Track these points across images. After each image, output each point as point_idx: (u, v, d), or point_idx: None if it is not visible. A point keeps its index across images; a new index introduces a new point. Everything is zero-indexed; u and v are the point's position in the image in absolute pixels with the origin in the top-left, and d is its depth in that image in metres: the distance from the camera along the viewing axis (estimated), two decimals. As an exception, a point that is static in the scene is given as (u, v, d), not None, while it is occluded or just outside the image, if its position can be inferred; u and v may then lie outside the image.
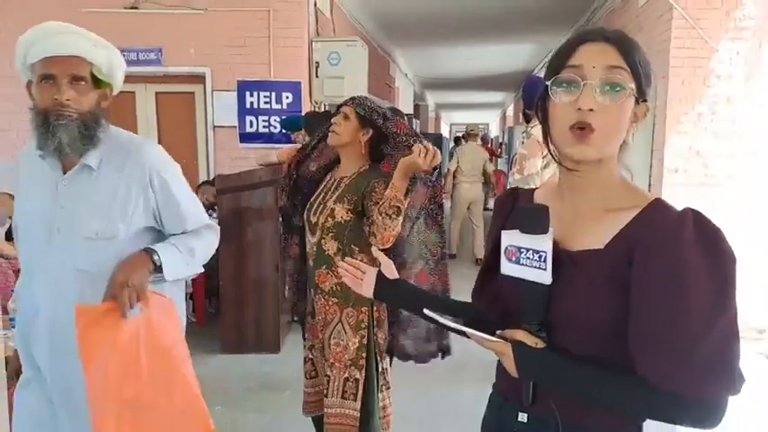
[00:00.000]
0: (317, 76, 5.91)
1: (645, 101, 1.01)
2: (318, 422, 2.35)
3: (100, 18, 5.72)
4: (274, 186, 4.07)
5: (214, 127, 5.97)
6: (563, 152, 1.01)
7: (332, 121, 2.20)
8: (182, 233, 1.73)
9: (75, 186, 1.61)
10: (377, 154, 2.26)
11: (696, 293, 0.89)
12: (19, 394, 1.71)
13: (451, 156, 7.63)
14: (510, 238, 1.03)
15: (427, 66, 13.24)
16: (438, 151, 1.89)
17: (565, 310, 0.99)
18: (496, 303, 1.15)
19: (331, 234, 2.14)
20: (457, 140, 11.30)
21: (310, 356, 2.33)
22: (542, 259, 0.98)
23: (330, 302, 2.18)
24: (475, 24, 8.69)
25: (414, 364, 2.26)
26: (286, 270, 2.54)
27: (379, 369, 2.22)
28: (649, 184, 5.20)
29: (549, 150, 1.06)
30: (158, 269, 1.61)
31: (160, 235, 1.73)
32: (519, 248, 1.01)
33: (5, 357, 1.81)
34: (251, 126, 5.90)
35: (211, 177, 5.61)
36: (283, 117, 5.68)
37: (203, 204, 5.28)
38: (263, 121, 5.89)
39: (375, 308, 2.21)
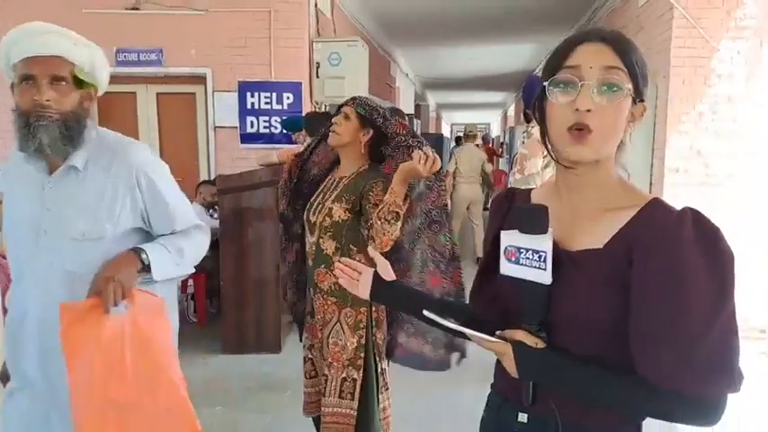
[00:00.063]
0: (317, 77, 5.92)
1: (642, 101, 1.01)
2: (319, 422, 2.35)
3: (101, 19, 5.73)
4: (275, 187, 4.07)
5: (215, 127, 5.98)
6: (561, 152, 1.01)
7: (332, 121, 2.21)
8: (171, 234, 1.71)
9: (61, 188, 1.60)
10: (377, 154, 2.26)
11: (696, 293, 0.89)
12: (6, 403, 1.68)
13: (450, 157, 7.67)
14: (509, 238, 1.03)
15: (428, 66, 13.24)
16: (438, 158, 1.89)
17: (564, 310, 0.99)
18: (495, 304, 1.15)
19: (329, 234, 2.15)
20: (458, 140, 11.32)
21: (310, 356, 2.34)
22: (542, 259, 0.98)
23: (329, 302, 2.18)
24: (476, 24, 8.69)
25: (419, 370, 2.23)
26: (283, 273, 2.55)
27: (378, 369, 2.22)
28: (650, 184, 5.20)
29: (548, 150, 1.06)
30: (147, 269, 1.59)
31: (148, 236, 1.71)
32: (518, 249, 1.01)
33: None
34: (252, 126, 5.91)
35: (212, 178, 5.62)
36: (284, 117, 5.68)
37: (202, 203, 5.29)
38: (264, 121, 5.90)
39: (374, 308, 2.20)
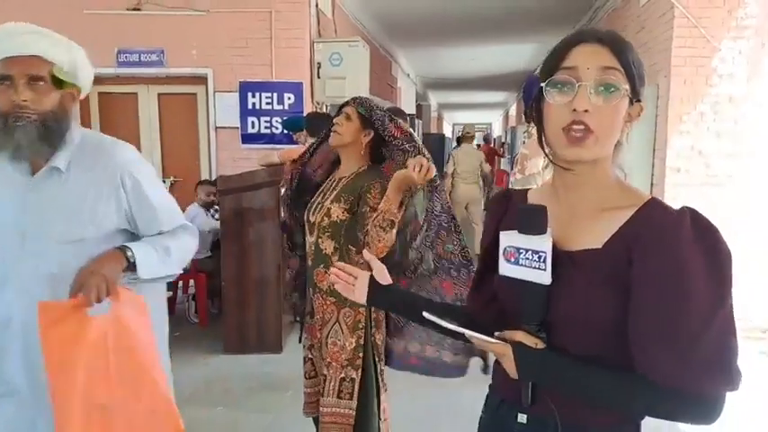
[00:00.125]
0: (318, 77, 5.92)
1: (639, 101, 1.02)
2: (319, 422, 2.36)
3: (102, 19, 5.74)
4: (276, 187, 4.08)
5: (216, 128, 5.99)
6: (558, 153, 1.02)
7: (334, 121, 2.21)
8: (157, 234, 1.69)
9: (43, 189, 1.57)
10: (377, 155, 2.26)
11: (695, 292, 0.89)
12: None
13: (449, 158, 7.75)
14: (508, 238, 1.03)
15: (429, 66, 13.24)
16: (432, 166, 1.89)
17: (564, 310, 0.99)
18: (492, 305, 1.15)
19: (327, 233, 2.15)
20: (459, 140, 11.32)
21: (310, 356, 2.34)
22: (542, 260, 0.98)
23: (328, 302, 2.19)
24: (477, 24, 8.69)
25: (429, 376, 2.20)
26: (287, 279, 2.56)
27: (377, 370, 2.22)
28: (651, 184, 5.20)
29: (544, 151, 1.06)
30: (132, 267, 1.56)
31: (133, 237, 1.69)
32: (518, 249, 1.01)
33: None
34: (253, 127, 5.92)
35: (213, 178, 5.63)
36: (285, 118, 5.69)
37: (200, 203, 5.29)
38: (265, 121, 5.90)
39: (373, 309, 2.21)
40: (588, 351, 0.98)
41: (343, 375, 2.16)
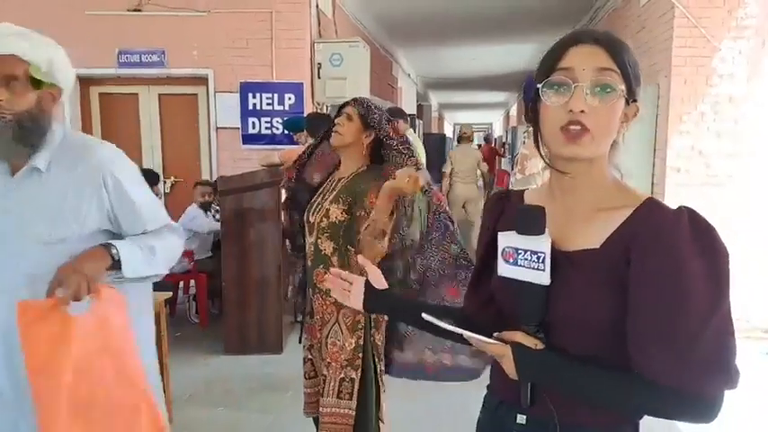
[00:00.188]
0: (319, 78, 5.93)
1: (635, 101, 1.02)
2: (319, 422, 2.36)
3: (103, 20, 5.75)
4: (276, 187, 4.08)
5: (217, 128, 5.99)
6: (555, 153, 1.02)
7: (335, 121, 2.21)
8: (142, 234, 1.68)
9: (23, 190, 1.55)
10: (378, 156, 2.26)
11: (694, 292, 0.90)
12: None
13: (446, 159, 7.84)
14: (507, 239, 1.03)
15: (430, 66, 13.25)
16: (420, 175, 1.90)
17: (562, 311, 0.99)
18: (489, 305, 1.15)
19: (326, 234, 2.16)
20: (459, 140, 11.34)
21: (309, 356, 2.34)
22: (540, 260, 0.98)
23: (327, 302, 2.19)
24: (477, 24, 8.69)
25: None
26: (291, 279, 2.56)
27: (377, 370, 2.23)
28: (652, 184, 5.20)
29: (540, 152, 1.07)
30: (117, 266, 1.54)
31: (116, 238, 1.67)
32: (516, 250, 1.01)
33: None
34: (253, 127, 5.92)
35: (214, 178, 5.63)
36: (286, 118, 5.69)
37: (198, 204, 5.30)
38: (266, 122, 5.90)
39: None
40: (587, 351, 0.98)
41: (342, 376, 2.16)
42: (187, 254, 4.99)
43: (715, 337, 0.90)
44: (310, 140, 4.32)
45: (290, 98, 5.85)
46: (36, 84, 1.53)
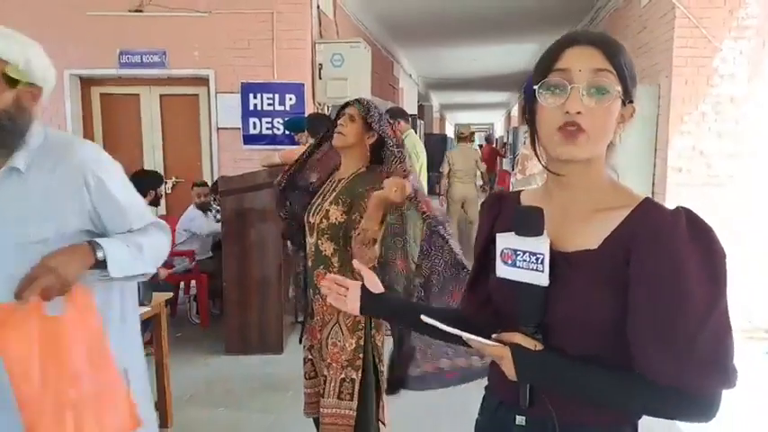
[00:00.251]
0: (320, 78, 5.93)
1: (631, 102, 1.02)
2: (319, 423, 2.36)
3: (104, 21, 5.76)
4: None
5: (218, 129, 5.99)
6: (551, 153, 1.02)
7: (338, 122, 2.21)
8: (128, 232, 1.63)
9: (2, 190, 1.52)
10: (378, 157, 2.26)
11: (692, 293, 0.90)
12: None
13: (444, 159, 7.88)
14: (505, 240, 1.03)
15: (431, 66, 13.25)
16: (407, 183, 1.92)
17: (561, 312, 0.99)
18: (487, 306, 1.16)
19: (326, 235, 2.16)
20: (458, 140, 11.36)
21: (310, 357, 2.35)
22: (539, 261, 0.98)
23: (328, 303, 2.18)
24: (478, 25, 8.69)
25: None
26: (292, 280, 2.56)
27: (378, 371, 2.23)
28: (653, 184, 5.20)
29: (536, 154, 1.07)
30: (102, 265, 1.49)
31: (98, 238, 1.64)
32: (515, 251, 1.01)
33: None
34: (254, 128, 5.92)
35: (215, 179, 5.64)
36: (287, 119, 5.69)
37: (195, 205, 5.31)
38: (267, 122, 5.91)
39: None
40: (586, 351, 0.99)
41: (343, 376, 2.16)
42: (188, 254, 5.01)
43: (713, 337, 0.90)
44: (311, 141, 4.32)
45: (291, 99, 5.86)
46: (12, 82, 1.50)
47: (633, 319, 0.94)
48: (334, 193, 2.19)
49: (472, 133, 8.45)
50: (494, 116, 28.30)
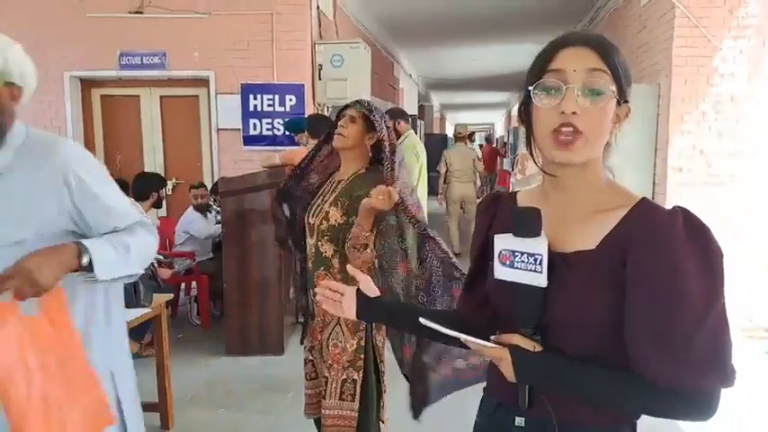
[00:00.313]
0: (320, 79, 5.93)
1: (626, 102, 1.02)
2: (320, 424, 2.36)
3: (104, 22, 5.77)
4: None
5: (218, 130, 6.00)
6: (547, 156, 1.02)
7: (339, 123, 2.21)
8: (113, 232, 1.60)
9: None
10: (379, 158, 2.27)
11: (689, 292, 0.90)
12: None
13: (441, 159, 7.94)
14: (503, 242, 1.03)
15: (431, 66, 13.24)
16: (393, 190, 1.93)
17: (559, 312, 0.99)
18: (484, 308, 1.15)
19: (327, 237, 2.16)
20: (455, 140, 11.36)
21: (310, 358, 2.35)
22: (537, 262, 0.98)
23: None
24: (478, 25, 8.69)
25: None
26: (292, 280, 2.56)
27: (379, 371, 2.23)
28: (653, 184, 5.20)
29: (532, 155, 1.07)
30: (88, 267, 1.46)
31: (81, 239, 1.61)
32: (513, 252, 1.01)
33: None
34: (254, 129, 5.93)
35: (215, 180, 5.65)
36: (287, 119, 5.70)
37: (194, 207, 5.31)
38: (267, 123, 5.91)
39: None
40: (584, 352, 0.99)
41: (344, 377, 2.17)
42: (189, 255, 5.01)
43: (710, 337, 0.90)
44: (311, 141, 4.33)
45: (291, 99, 5.86)
46: None
47: (631, 319, 0.94)
48: (334, 195, 2.19)
49: (472, 133, 8.51)
50: (494, 116, 28.28)
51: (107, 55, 5.82)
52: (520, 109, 1.08)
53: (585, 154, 0.99)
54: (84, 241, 1.48)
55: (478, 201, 8.15)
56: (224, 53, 5.80)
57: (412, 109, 12.91)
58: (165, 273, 4.40)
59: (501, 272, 1.03)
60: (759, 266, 4.61)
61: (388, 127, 2.19)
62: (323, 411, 2.19)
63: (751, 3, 4.68)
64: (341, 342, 2.18)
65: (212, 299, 5.09)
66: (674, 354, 0.90)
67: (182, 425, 3.21)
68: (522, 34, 9.28)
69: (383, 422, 2.28)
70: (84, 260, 1.44)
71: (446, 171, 7.70)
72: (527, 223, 1.00)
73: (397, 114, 5.24)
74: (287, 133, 5.69)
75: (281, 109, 5.87)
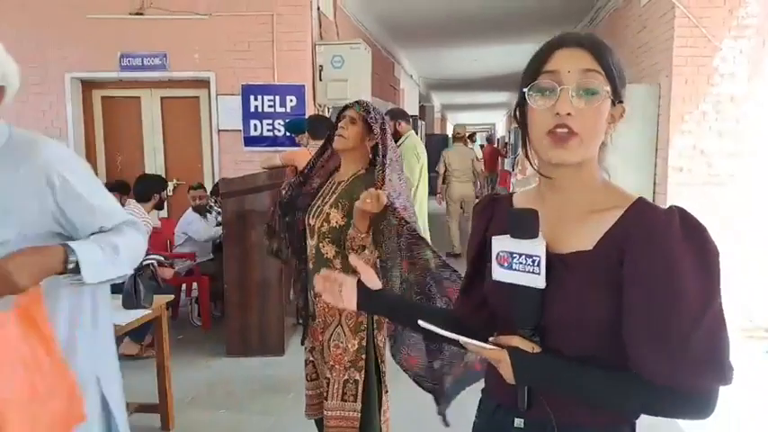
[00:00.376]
0: (320, 80, 5.93)
1: (621, 102, 1.02)
2: (321, 424, 2.37)
3: (105, 24, 5.78)
4: (278, 189, 4.08)
5: (219, 131, 6.01)
6: (543, 157, 1.02)
7: (339, 125, 2.21)
8: (100, 232, 1.57)
9: None
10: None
11: (686, 292, 0.90)
12: None
13: (440, 159, 7.99)
14: (501, 243, 1.03)
15: (432, 67, 13.25)
16: (381, 192, 1.95)
17: (557, 313, 0.99)
18: (482, 309, 1.15)
19: (328, 239, 2.17)
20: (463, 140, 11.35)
21: (311, 359, 2.35)
22: (536, 263, 0.98)
23: (329, 304, 2.19)
24: (479, 25, 8.69)
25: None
26: (293, 282, 2.57)
27: (380, 371, 2.23)
28: (654, 183, 5.20)
29: (528, 157, 1.07)
30: (75, 270, 1.43)
31: (68, 240, 1.57)
32: (511, 254, 1.01)
33: None
34: (255, 130, 5.93)
35: (216, 181, 5.66)
36: (287, 120, 5.71)
37: (193, 207, 5.31)
38: (268, 124, 5.92)
39: None
40: (583, 352, 0.99)
41: (346, 377, 2.17)
42: (189, 256, 5.01)
43: (707, 336, 0.91)
44: (312, 142, 4.34)
45: (291, 100, 5.87)
46: None
47: (628, 319, 0.94)
48: (334, 196, 2.19)
49: (473, 133, 8.53)
50: (495, 116, 28.27)
51: (108, 56, 5.83)
52: (515, 110, 1.08)
53: (580, 154, 0.99)
54: (71, 243, 1.45)
55: (476, 201, 8.15)
56: (224, 54, 5.81)
57: (413, 109, 12.91)
58: (167, 272, 4.41)
59: (499, 274, 1.03)
60: (759, 266, 4.61)
61: (383, 129, 2.19)
62: (325, 413, 2.20)
63: (751, 2, 4.68)
64: (342, 343, 2.18)
65: (213, 300, 5.09)
66: (671, 353, 0.90)
67: (182, 426, 3.21)
68: (522, 34, 9.28)
69: (383, 421, 2.28)
70: (71, 262, 1.42)
71: (445, 171, 7.74)
72: (524, 225, 1.00)
73: (397, 115, 5.24)
74: (287, 134, 5.69)
75: (282, 110, 5.87)
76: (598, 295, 0.96)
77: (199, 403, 3.53)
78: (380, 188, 2.01)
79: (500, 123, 29.61)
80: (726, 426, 2.67)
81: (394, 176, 2.12)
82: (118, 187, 4.91)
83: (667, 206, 0.97)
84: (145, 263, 3.25)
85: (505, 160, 14.34)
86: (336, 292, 1.31)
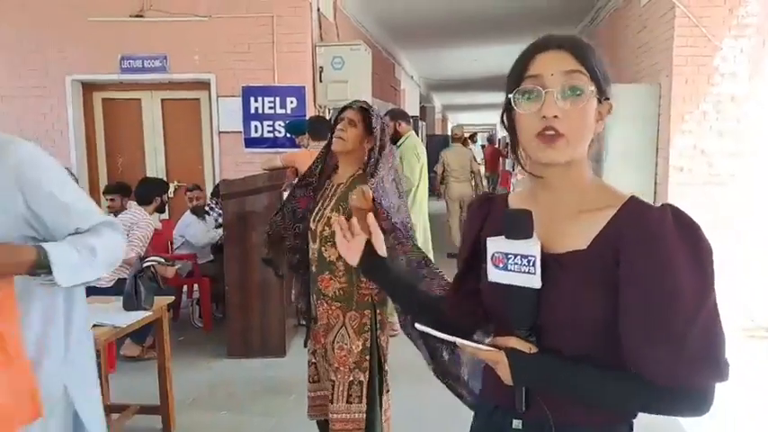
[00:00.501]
0: (320, 81, 5.94)
1: (608, 99, 1.03)
2: (323, 426, 2.37)
3: (105, 26, 5.79)
4: (279, 191, 4.10)
5: (219, 132, 6.01)
6: (533, 158, 1.03)
7: (338, 127, 2.21)
8: (75, 233, 1.53)
9: None
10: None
11: (680, 290, 0.90)
12: None
13: (438, 159, 8.02)
14: (496, 244, 1.03)
15: (432, 68, 13.25)
16: (367, 188, 1.92)
17: (553, 313, 0.99)
18: (476, 309, 1.15)
19: (330, 243, 2.17)
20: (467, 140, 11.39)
21: (313, 360, 2.35)
22: (531, 264, 0.98)
23: (333, 307, 2.20)
24: (479, 25, 8.70)
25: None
26: (294, 283, 2.57)
27: (383, 371, 2.24)
28: (655, 183, 5.19)
29: (518, 159, 1.07)
30: (47, 271, 1.39)
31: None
32: (506, 255, 1.01)
33: None
34: (256, 131, 5.94)
35: (216, 182, 5.66)
36: (288, 121, 5.71)
37: (191, 209, 5.30)
38: (268, 125, 5.92)
39: (378, 310, 2.22)
40: (580, 352, 0.99)
41: (351, 379, 2.17)
42: (190, 257, 5.02)
43: (703, 333, 0.91)
44: (312, 143, 4.34)
45: (291, 102, 5.87)
46: None
47: (625, 319, 0.94)
48: (335, 199, 2.20)
49: (474, 134, 8.56)
50: (496, 116, 28.04)
51: (108, 58, 5.84)
52: (502, 116, 1.08)
53: (568, 154, 1.00)
54: (45, 244, 1.42)
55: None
56: (225, 56, 5.82)
57: (414, 110, 12.91)
58: (169, 271, 4.41)
59: (494, 274, 1.03)
60: (760, 266, 4.60)
61: (383, 130, 2.19)
62: (330, 415, 2.19)
63: (751, 2, 4.68)
64: (346, 344, 2.18)
65: (214, 301, 5.09)
66: (667, 352, 0.91)
67: (183, 427, 3.21)
68: (522, 34, 9.26)
69: (384, 420, 2.28)
70: (43, 264, 1.39)
71: (443, 171, 7.79)
72: (519, 225, 1.00)
73: (397, 115, 5.24)
74: (288, 135, 5.70)
75: (282, 111, 5.88)
76: (593, 294, 0.96)
77: (200, 405, 3.53)
78: (370, 181, 2.00)
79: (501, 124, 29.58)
80: (726, 425, 2.67)
81: (383, 172, 2.12)
82: (119, 189, 4.92)
83: (660, 204, 0.98)
84: (145, 264, 3.26)
85: (506, 161, 14.34)
86: (345, 241, 1.31)
